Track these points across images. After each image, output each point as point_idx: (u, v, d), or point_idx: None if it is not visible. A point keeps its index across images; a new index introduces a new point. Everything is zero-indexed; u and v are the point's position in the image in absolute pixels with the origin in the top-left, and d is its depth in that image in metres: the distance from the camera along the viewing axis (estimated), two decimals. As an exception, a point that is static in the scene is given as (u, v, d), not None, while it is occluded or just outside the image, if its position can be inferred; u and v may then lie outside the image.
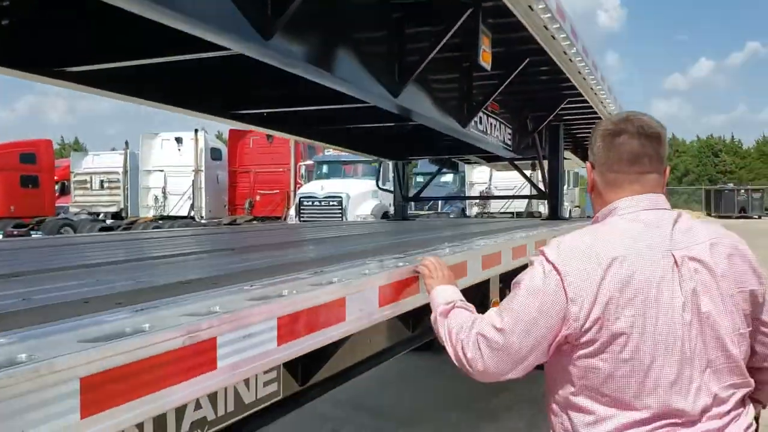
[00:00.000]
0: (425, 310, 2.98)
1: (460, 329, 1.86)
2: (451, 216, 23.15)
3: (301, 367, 2.74)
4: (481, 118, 5.31)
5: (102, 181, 24.78)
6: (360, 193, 18.03)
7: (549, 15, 3.84)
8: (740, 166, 64.56)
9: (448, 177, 25.33)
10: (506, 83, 4.84)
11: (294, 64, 2.75)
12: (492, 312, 1.80)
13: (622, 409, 1.61)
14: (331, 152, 19.07)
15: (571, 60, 4.75)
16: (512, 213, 21.53)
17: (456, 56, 4.54)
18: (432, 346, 7.59)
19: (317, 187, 18.62)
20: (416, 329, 3.75)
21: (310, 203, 18.34)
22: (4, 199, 24.26)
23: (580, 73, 5.15)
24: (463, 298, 2.16)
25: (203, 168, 23.37)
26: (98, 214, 24.11)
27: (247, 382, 2.23)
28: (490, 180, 23.42)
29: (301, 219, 18.29)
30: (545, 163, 6.95)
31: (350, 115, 4.55)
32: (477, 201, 23.68)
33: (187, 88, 3.85)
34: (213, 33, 2.31)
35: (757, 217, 45.36)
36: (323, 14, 3.01)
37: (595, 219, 1.87)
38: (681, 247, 1.67)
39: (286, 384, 2.54)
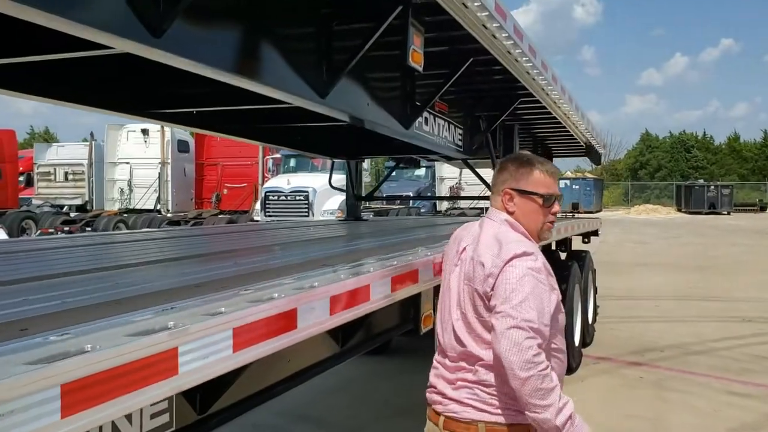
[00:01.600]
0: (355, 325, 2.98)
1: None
2: (422, 211, 23.02)
3: (200, 395, 2.53)
4: (426, 118, 5.12)
5: (66, 173, 24.32)
6: (328, 188, 17.75)
7: (486, 13, 3.65)
8: (711, 162, 65.27)
9: (421, 171, 25.16)
10: (450, 83, 4.65)
11: (192, 63, 2.53)
12: None
13: None
14: (299, 146, 18.80)
15: (516, 60, 4.57)
16: (482, 209, 21.42)
17: (395, 55, 4.34)
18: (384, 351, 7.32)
19: (283, 182, 18.33)
20: (346, 344, 3.57)
21: (275, 198, 18.06)
22: (-36, 190, 23.73)
23: (528, 73, 4.98)
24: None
25: (170, 160, 23.03)
26: (62, 206, 23.66)
27: (129, 416, 2.01)
28: (460, 175, 23.31)
29: (267, 214, 18.03)
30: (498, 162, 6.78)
31: (290, 114, 4.31)
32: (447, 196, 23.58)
33: (99, 85, 3.61)
34: (94, 32, 2.08)
35: (726, 213, 45.85)
36: (234, 8, 2.79)
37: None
38: (464, 240, 2.55)
39: (181, 414, 2.33)
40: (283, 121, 4.97)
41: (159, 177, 23.13)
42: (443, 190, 24.01)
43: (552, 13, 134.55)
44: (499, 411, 2.28)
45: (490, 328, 2.26)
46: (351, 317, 2.60)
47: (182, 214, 21.65)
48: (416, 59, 3.47)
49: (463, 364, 2.37)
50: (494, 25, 3.86)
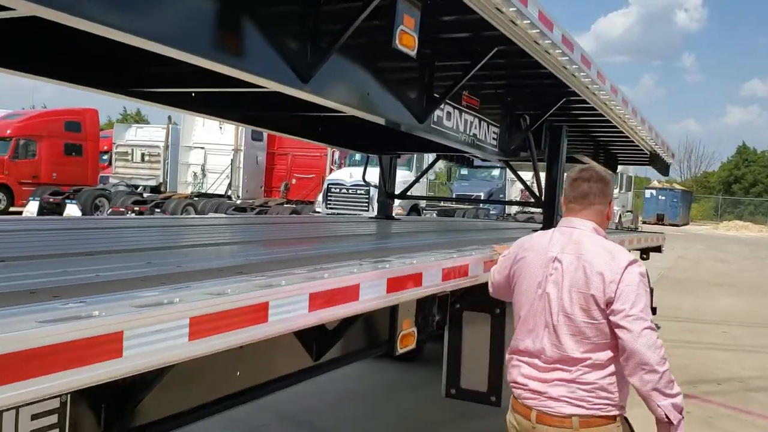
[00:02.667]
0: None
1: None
2: (491, 213, 22.33)
3: (105, 410, 2.23)
4: (450, 113, 4.67)
5: (143, 154, 24.90)
6: (391, 183, 17.42)
7: (499, -6, 3.20)
8: (813, 180, 61.26)
9: (496, 171, 24.50)
10: (471, 74, 4.18)
11: (152, 44, 2.23)
12: None
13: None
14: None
15: (548, 52, 4.07)
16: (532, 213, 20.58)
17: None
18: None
19: (346, 175, 18.11)
20: (321, 357, 3.21)
21: (337, 190, 17.86)
22: (47, 165, 24.62)
23: (565, 68, 4.45)
24: None
25: (242, 148, 23.22)
26: (137, 186, 24.20)
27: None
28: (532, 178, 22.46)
29: (328, 206, 17.86)
30: (543, 165, 6.25)
31: (295, 100, 3.96)
32: (518, 199, 22.77)
33: (82, 62, 3.37)
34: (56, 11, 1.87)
35: (825, 234, 42.85)
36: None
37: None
38: (559, 251, 2.65)
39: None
40: (288, 109, 4.66)
41: (231, 163, 23.38)
42: (513, 192, 23.24)
43: (653, 16, 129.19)
44: (594, 405, 2.53)
45: (602, 331, 2.52)
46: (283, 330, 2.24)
47: (250, 201, 21.76)
48: (406, 42, 3.05)
49: (558, 365, 2.58)
50: (511, 9, 3.39)
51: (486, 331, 4.50)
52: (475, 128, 5.14)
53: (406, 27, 3.01)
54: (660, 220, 42.44)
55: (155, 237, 4.21)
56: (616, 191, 28.54)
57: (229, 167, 23.31)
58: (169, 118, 24.95)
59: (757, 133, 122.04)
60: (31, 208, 20.69)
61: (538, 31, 3.76)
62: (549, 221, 6.20)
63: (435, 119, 4.49)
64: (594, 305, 2.51)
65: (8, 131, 24.24)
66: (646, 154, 8.18)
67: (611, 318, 2.49)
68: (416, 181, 8.67)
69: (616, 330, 2.48)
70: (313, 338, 3.10)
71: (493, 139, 5.52)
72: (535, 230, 3.96)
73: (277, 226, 6.10)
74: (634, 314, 2.45)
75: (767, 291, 15.17)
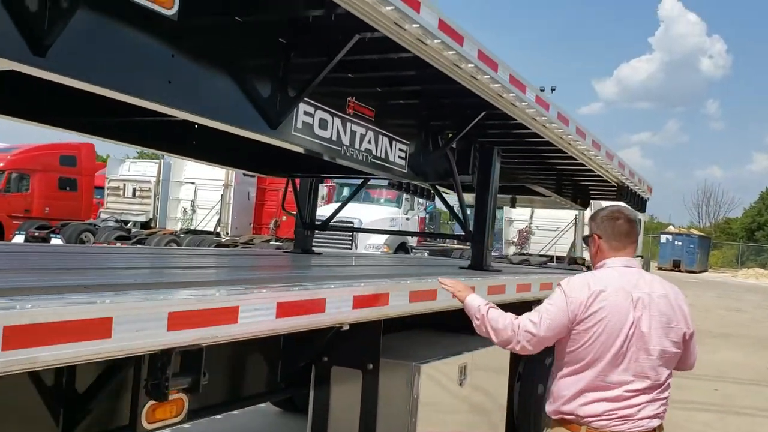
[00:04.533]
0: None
1: (506, 326, 2.92)
2: (494, 254, 21.35)
3: None
4: (326, 120, 3.84)
5: (134, 189, 24.32)
6: (375, 219, 16.60)
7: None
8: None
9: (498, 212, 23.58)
10: (329, 68, 3.35)
11: None
12: (526, 315, 2.93)
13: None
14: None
15: (422, 41, 3.25)
16: (550, 257, 19.56)
17: (248, 22, 3.16)
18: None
19: (329, 211, 17.24)
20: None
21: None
22: (40, 199, 24.14)
23: (458, 66, 3.63)
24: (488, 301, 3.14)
25: (233, 183, 22.56)
26: (127, 222, 23.59)
27: None
28: (531, 217, 21.50)
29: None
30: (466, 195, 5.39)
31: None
32: (515, 240, 21.80)
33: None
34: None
35: None
36: None
37: (595, 267, 3.05)
38: (636, 290, 2.88)
39: None
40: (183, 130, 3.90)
41: (221, 199, 22.73)
42: (511, 233, 22.25)
43: (676, 62, 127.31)
44: (664, 414, 2.94)
45: (680, 356, 2.96)
46: None
47: (236, 238, 21.00)
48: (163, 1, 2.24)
49: (646, 391, 2.85)
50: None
51: (357, 390, 3.62)
52: (369, 142, 4.30)
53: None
54: (676, 266, 40.98)
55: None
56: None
57: (219, 203, 22.65)
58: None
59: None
60: (17, 241, 20.19)
61: (418, 26, 2.98)
62: (479, 258, 5.31)
63: (299, 125, 3.66)
64: (681, 337, 2.91)
65: (0, 164, 23.89)
66: (613, 186, 7.26)
67: (689, 342, 2.98)
68: (336, 213, 7.68)
69: (693, 350, 3.03)
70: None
71: (400, 157, 4.67)
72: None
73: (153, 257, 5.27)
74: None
75: (775, 344, 13.99)
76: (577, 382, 2.85)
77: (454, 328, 4.36)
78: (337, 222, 16.50)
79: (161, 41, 2.73)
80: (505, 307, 3.13)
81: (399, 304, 3.17)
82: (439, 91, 4.41)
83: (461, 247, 20.37)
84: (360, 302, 2.84)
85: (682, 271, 39.94)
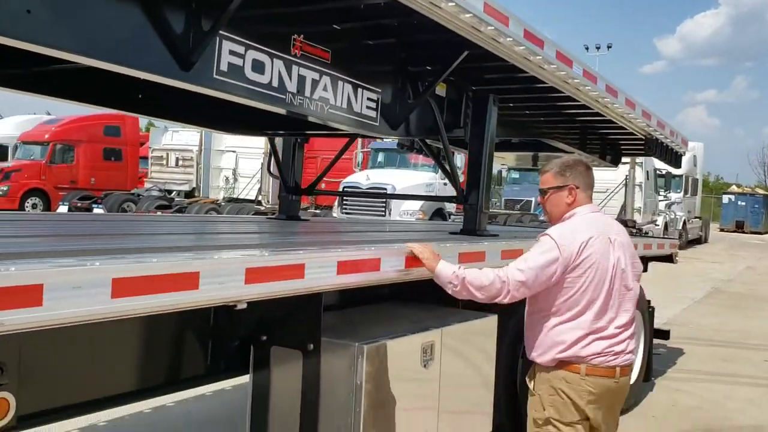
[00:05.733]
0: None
1: (494, 280, 2.99)
2: (541, 218, 20.52)
3: None
4: (261, 62, 3.28)
5: (177, 159, 24.27)
6: (409, 186, 15.95)
7: None
8: None
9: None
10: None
11: None
12: (512, 265, 3.04)
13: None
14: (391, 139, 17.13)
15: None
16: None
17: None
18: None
19: (362, 178, 16.73)
20: None
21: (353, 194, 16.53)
22: (85, 170, 24.38)
23: (437, 6, 3.03)
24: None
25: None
26: (171, 191, 23.58)
27: None
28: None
29: (343, 211, 16.58)
30: (456, 151, 4.76)
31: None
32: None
33: None
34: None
35: None
36: None
37: (563, 217, 3.18)
38: (611, 233, 3.13)
39: None
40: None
41: (261, 167, 22.43)
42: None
43: (744, 15, 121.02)
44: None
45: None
46: None
47: (275, 206, 20.72)
48: None
49: (626, 327, 3.13)
50: None
51: (298, 374, 3.12)
52: (326, 89, 3.73)
53: None
54: (739, 227, 39.09)
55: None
56: (680, 194, 26.05)
57: (260, 171, 22.37)
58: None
59: None
60: (60, 211, 20.46)
61: None
62: (472, 221, 4.70)
63: (222, 68, 3.12)
64: (639, 273, 3.33)
65: (46, 136, 24.16)
66: (641, 139, 6.49)
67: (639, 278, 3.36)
68: (322, 175, 6.54)
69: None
70: None
71: (369, 107, 4.09)
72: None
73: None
74: None
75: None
76: (576, 326, 3.02)
77: (435, 300, 3.80)
78: (371, 188, 16.14)
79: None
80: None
81: (317, 277, 2.63)
82: (407, 28, 3.79)
83: (510, 212, 19.68)
84: (254, 277, 2.31)
85: (745, 233, 38.08)
